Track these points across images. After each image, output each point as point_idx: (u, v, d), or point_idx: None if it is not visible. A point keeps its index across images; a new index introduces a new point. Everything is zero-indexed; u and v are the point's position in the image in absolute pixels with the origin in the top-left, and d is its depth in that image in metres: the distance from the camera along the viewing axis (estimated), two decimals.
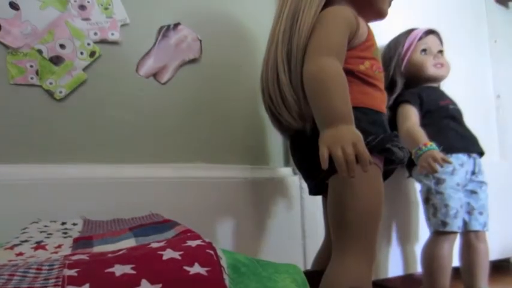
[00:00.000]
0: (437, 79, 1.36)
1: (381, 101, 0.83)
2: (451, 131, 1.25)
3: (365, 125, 0.73)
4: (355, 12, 0.82)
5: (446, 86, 1.40)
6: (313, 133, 0.73)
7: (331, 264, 0.77)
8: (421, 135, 1.17)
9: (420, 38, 1.34)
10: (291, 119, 0.79)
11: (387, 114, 0.88)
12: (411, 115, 1.25)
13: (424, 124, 1.24)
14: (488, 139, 1.55)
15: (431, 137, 1.16)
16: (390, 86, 1.30)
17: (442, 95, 1.33)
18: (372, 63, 0.82)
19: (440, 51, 1.36)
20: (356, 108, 0.73)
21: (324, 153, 0.66)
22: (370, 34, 0.85)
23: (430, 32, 1.36)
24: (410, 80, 1.35)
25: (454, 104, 1.31)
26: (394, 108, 1.29)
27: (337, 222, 0.78)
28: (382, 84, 0.85)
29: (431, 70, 1.32)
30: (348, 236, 0.76)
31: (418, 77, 1.34)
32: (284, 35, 0.80)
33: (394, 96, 1.30)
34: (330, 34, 0.76)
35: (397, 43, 1.36)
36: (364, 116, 0.75)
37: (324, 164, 0.66)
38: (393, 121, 1.26)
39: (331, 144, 0.66)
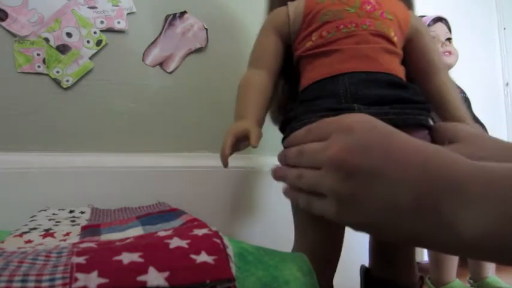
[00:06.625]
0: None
1: (338, 61, 0.73)
2: None
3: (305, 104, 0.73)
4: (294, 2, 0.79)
5: (455, 74, 1.38)
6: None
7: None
8: None
9: (428, 26, 1.32)
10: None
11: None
12: None
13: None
14: (497, 127, 1.54)
15: None
16: None
17: None
18: (321, 30, 0.75)
19: (449, 39, 1.34)
20: (307, 88, 0.74)
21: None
22: (307, 8, 0.77)
23: (438, 19, 1.34)
24: None
25: (462, 92, 1.30)
26: None
27: None
28: (346, 41, 0.73)
29: None
30: None
31: None
32: None
33: None
34: (255, 47, 0.83)
35: None
36: (311, 93, 0.73)
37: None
38: None
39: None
